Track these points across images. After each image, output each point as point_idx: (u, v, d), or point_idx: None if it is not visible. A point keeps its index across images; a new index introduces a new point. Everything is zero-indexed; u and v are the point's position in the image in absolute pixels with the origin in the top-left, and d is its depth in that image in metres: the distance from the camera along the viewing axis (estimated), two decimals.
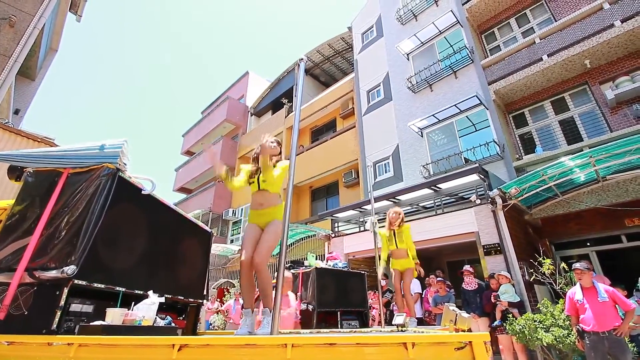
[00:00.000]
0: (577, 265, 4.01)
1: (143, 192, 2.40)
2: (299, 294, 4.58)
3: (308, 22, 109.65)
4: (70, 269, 1.79)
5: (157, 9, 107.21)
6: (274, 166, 2.82)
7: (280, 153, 2.95)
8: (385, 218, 4.82)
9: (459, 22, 10.06)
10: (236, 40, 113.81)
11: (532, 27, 9.36)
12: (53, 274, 1.81)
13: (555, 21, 8.53)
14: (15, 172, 2.24)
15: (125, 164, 2.18)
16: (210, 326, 7.92)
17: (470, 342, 1.50)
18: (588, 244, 7.09)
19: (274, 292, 2.09)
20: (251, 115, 19.05)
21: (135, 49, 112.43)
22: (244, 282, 2.67)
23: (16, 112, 8.89)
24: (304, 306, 4.39)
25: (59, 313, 1.77)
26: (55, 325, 1.74)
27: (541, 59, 7.92)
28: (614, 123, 7.13)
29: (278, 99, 17.25)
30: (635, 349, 3.95)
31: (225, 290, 10.68)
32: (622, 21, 6.97)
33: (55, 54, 10.58)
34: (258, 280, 2.64)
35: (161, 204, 2.71)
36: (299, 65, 2.68)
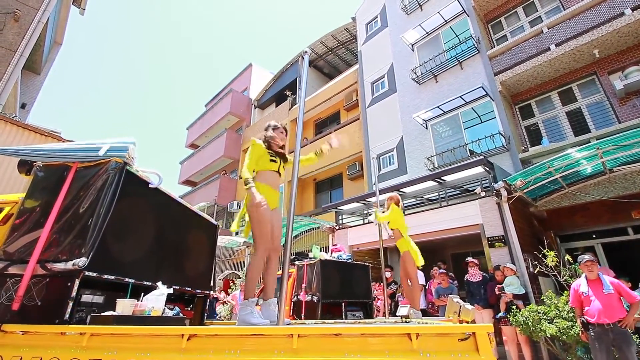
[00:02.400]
0: (586, 257, 3.98)
1: (150, 186, 2.43)
2: (303, 285, 4.64)
3: (311, 12, 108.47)
4: (81, 261, 1.84)
5: (159, 1, 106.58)
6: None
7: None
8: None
9: (465, 11, 9.89)
10: (239, 32, 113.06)
11: (539, 16, 9.16)
12: (64, 265, 1.86)
13: (564, 10, 8.35)
14: (25, 166, 2.29)
15: (133, 157, 2.21)
16: (217, 316, 8.05)
17: (473, 333, 1.51)
18: (594, 236, 7.04)
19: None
20: (255, 108, 19.00)
21: (139, 42, 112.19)
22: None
23: (23, 106, 8.96)
24: (308, 297, 4.44)
25: (70, 304, 1.82)
26: (67, 316, 1.79)
27: (549, 49, 7.77)
28: (622, 114, 7.02)
29: (282, 91, 17.15)
30: (639, 340, 3.96)
31: (230, 281, 10.81)
32: (633, 9, 6.80)
33: (59, 47, 10.61)
34: (274, 267, 2.69)
35: (168, 197, 2.74)
36: (302, 58, 2.67)
